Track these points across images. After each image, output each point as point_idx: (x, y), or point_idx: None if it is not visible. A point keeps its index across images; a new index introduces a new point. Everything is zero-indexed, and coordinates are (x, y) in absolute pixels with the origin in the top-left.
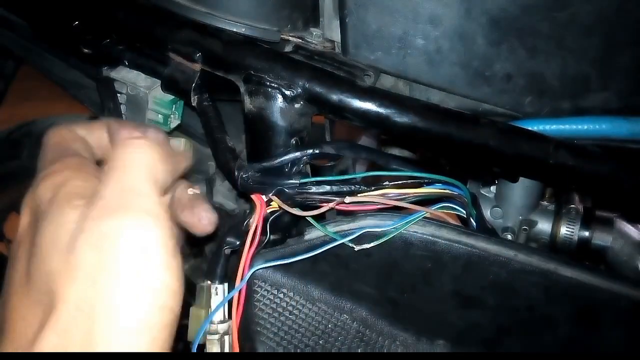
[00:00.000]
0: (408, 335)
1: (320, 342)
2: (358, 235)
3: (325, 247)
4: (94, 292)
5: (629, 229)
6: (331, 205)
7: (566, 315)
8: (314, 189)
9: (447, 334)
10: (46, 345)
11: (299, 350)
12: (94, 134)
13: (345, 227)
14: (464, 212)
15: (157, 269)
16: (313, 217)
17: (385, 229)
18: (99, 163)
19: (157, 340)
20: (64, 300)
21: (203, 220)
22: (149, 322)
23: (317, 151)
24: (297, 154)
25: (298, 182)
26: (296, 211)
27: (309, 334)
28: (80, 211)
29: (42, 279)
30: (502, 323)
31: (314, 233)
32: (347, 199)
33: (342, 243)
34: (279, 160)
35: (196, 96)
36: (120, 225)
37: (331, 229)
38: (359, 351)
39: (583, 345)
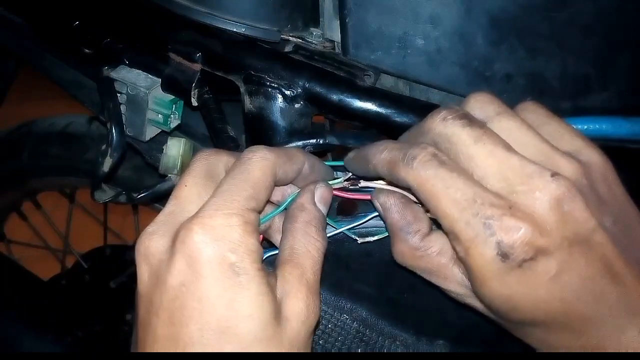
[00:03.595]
0: (408, 335)
1: (320, 342)
2: (359, 232)
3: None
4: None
5: None
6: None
7: None
8: None
9: (447, 334)
10: None
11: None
12: (293, 165)
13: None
14: None
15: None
16: None
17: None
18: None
19: None
20: None
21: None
22: None
23: (320, 141)
24: (299, 143)
25: None
26: None
27: None
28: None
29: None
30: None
31: None
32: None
33: (343, 242)
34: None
35: (196, 90)
36: (307, 304)
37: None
38: (359, 351)
39: None
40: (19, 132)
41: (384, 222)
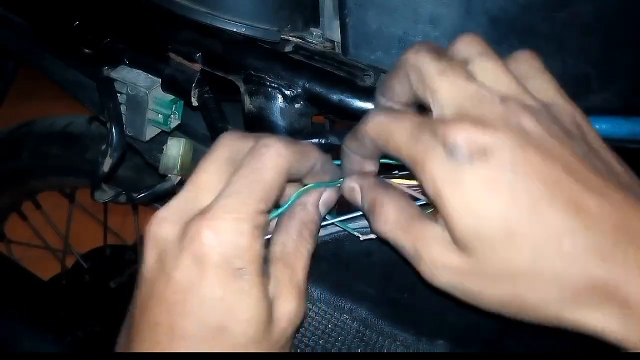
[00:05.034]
0: (408, 335)
1: (320, 342)
2: (360, 230)
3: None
4: None
5: None
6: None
7: None
8: None
9: (447, 334)
10: None
11: (299, 350)
12: (306, 162)
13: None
14: None
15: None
16: None
17: None
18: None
19: None
20: None
21: None
22: None
23: (322, 141)
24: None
25: None
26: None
27: (309, 334)
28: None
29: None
30: (502, 323)
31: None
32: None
33: (344, 242)
34: None
35: (196, 90)
36: (297, 305)
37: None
38: (359, 351)
39: (582, 344)
40: (19, 132)
41: (361, 207)
